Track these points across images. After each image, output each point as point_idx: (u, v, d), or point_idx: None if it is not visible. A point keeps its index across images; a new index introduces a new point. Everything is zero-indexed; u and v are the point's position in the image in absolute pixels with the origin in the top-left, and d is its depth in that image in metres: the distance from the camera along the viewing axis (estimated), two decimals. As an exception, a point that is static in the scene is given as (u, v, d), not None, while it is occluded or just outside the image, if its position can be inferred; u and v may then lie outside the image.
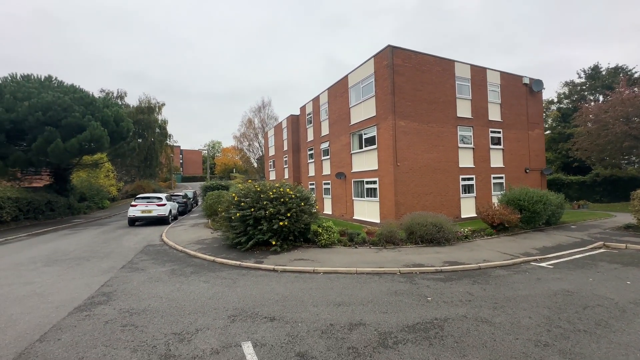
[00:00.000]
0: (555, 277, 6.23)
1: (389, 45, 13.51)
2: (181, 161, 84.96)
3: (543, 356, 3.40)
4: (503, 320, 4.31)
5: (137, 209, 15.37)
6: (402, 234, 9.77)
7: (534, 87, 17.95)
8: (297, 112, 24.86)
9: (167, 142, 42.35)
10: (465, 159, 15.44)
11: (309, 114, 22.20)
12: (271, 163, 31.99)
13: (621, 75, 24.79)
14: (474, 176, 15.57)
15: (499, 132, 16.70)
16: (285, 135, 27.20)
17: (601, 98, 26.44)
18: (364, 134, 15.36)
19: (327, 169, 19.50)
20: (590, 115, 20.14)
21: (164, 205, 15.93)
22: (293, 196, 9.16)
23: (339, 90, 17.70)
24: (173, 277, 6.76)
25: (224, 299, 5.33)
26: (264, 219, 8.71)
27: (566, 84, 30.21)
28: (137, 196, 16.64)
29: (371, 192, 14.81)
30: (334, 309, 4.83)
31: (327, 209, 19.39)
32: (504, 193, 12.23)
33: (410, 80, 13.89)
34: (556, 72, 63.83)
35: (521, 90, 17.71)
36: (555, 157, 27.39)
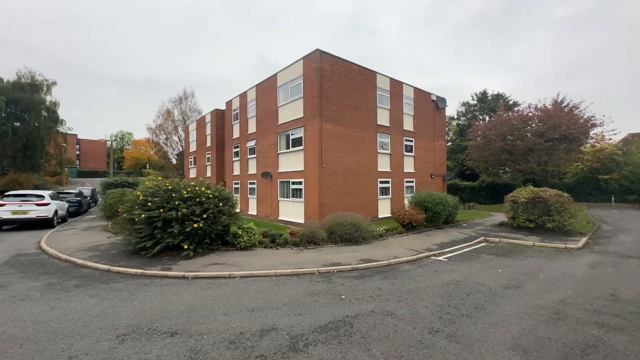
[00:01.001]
0: (449, 269, 7.17)
1: (317, 50, 13.79)
2: (78, 153, 71.69)
3: (434, 341, 3.80)
4: (405, 312, 4.71)
5: (5, 210, 12.23)
6: (323, 234, 10.01)
7: (439, 104, 20.67)
8: (223, 107, 23.47)
9: (58, 128, 35.03)
10: (383, 164, 16.80)
11: (236, 109, 21.17)
12: (192, 160, 29.47)
13: (501, 101, 30.55)
14: (390, 180, 17.05)
15: (412, 141, 18.69)
16: (209, 131, 25.39)
17: (487, 118, 32.08)
18: (292, 134, 15.35)
19: (253, 168, 18.87)
20: (479, 132, 24.23)
21: (47, 204, 13.05)
22: (211, 196, 8.50)
23: (268, 88, 17.33)
24: (48, 293, 5.50)
25: (116, 315, 4.55)
26: (176, 220, 7.85)
27: (463, 104, 35.81)
28: (7, 193, 13.26)
29: (297, 193, 14.87)
30: (247, 315, 4.58)
31: (252, 210, 18.76)
32: (413, 195, 13.69)
33: (337, 85, 14.44)
34: (457, 94, 75.47)
35: (429, 106, 20.20)
36: (454, 165, 32.11)
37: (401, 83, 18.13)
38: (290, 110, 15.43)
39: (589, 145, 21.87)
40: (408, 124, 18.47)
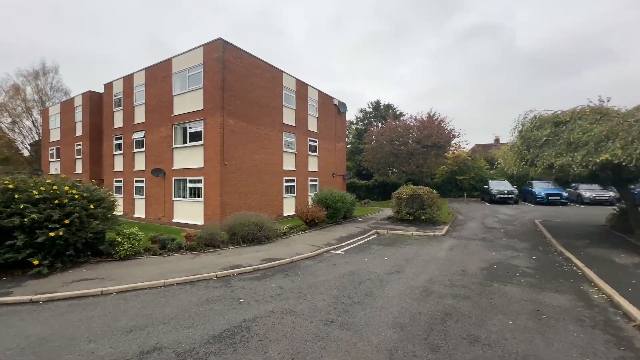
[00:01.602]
0: (345, 261, 7.76)
1: (220, 39, 12.89)
2: None
3: (329, 332, 4.01)
4: (304, 308, 4.83)
5: None
6: (224, 236, 9.43)
7: (340, 108, 22.28)
8: (101, 89, 19.49)
9: None
10: (289, 163, 17.02)
11: (118, 94, 17.88)
12: (54, 151, 23.49)
13: (390, 110, 35.15)
14: (295, 178, 17.40)
15: (316, 141, 19.55)
16: (79, 116, 20.70)
17: (380, 125, 36.43)
18: (190, 127, 13.93)
19: (141, 164, 16.31)
20: (373, 137, 27.27)
21: None
22: (77, 196, 6.90)
23: (161, 74, 15.25)
24: None
25: None
26: (20, 229, 6.05)
27: (361, 110, 39.69)
28: None
29: (195, 192, 13.59)
30: (122, 338, 3.86)
31: (140, 212, 16.21)
32: (316, 193, 14.32)
33: (242, 79, 13.84)
34: (357, 101, 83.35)
35: (332, 109, 21.55)
36: (353, 165, 35.27)
37: (306, 85, 18.73)
38: (189, 100, 13.97)
39: (450, 152, 27.41)
40: (312, 125, 19.24)
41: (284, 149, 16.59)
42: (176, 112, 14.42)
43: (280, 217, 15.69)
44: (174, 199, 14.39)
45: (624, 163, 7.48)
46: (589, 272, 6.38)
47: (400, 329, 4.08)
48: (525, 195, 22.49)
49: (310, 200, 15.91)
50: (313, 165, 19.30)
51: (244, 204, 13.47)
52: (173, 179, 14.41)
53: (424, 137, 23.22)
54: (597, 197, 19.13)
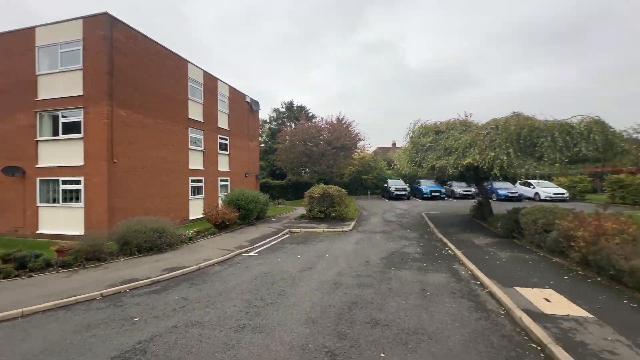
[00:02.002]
0: (258, 263, 7.60)
1: (107, 13, 10.89)
2: None
3: (240, 339, 3.84)
4: (212, 317, 4.50)
5: None
6: (113, 246, 8.03)
7: (253, 107, 21.72)
8: None
9: None
10: (196, 161, 15.66)
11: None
12: None
13: (303, 112, 36.18)
14: (203, 178, 16.12)
15: (226, 139, 18.54)
16: None
17: (293, 125, 37.09)
18: (64, 116, 11.32)
19: (-16, 160, 12.42)
20: (287, 137, 27.59)
21: None
22: None
23: (18, 45, 11.93)
24: None
25: None
26: None
27: (275, 110, 39.60)
28: None
29: (72, 196, 11.14)
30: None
31: (-17, 223, 12.33)
32: (227, 194, 13.59)
33: (137, 65, 12.03)
34: (270, 100, 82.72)
35: (244, 107, 20.82)
36: (267, 165, 34.90)
37: (216, 79, 17.58)
38: (61, 83, 11.34)
39: (357, 153, 30.01)
40: (223, 122, 18.18)
41: (191, 147, 15.19)
42: (42, 96, 11.53)
43: (186, 221, 14.31)
44: (39, 204, 11.48)
45: (480, 165, 9.54)
46: (459, 253, 7.91)
47: (312, 324, 4.23)
48: (415, 192, 26.36)
49: (220, 201, 14.99)
50: (224, 164, 18.27)
51: (141, 208, 11.75)
52: (38, 179, 11.48)
53: (334, 139, 24.70)
54: (464, 193, 23.89)
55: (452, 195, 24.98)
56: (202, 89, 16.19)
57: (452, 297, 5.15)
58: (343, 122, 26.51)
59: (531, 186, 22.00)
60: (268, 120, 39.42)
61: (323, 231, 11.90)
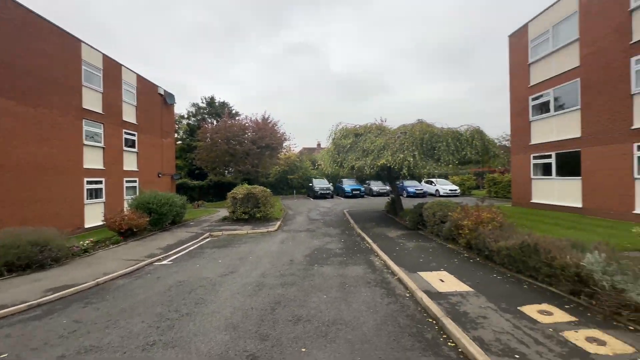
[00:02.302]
0: (173, 272, 6.93)
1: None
2: None
3: (148, 358, 3.45)
4: (114, 338, 3.93)
5: None
6: (-32, 267, 6.26)
7: (167, 100, 19.67)
8: None
9: None
10: (93, 160, 13.38)
11: None
12: None
13: (226, 108, 34.43)
14: (104, 179, 13.88)
15: (134, 135, 16.35)
16: None
17: (215, 122, 34.95)
18: None
19: None
20: (208, 134, 25.84)
21: None
22: None
23: None
24: None
25: None
26: None
27: (194, 104, 36.61)
28: None
29: None
30: None
31: None
32: (135, 197, 12.00)
33: (6, 38, 9.62)
34: (188, 93, 76.03)
35: (156, 99, 18.68)
36: (185, 164, 32.05)
37: (120, 65, 15.33)
38: None
39: (283, 153, 30.04)
40: (129, 115, 15.98)
41: (86, 142, 12.92)
42: None
43: (81, 230, 12.13)
44: None
45: (392, 166, 10.63)
46: (374, 246, 8.66)
47: (232, 329, 4.07)
48: (338, 191, 27.82)
49: (126, 205, 13.15)
50: (131, 163, 16.08)
51: (15, 218, 9.49)
52: None
53: (259, 138, 24.20)
54: (380, 190, 26.28)
55: (371, 193, 27.18)
56: (101, 75, 13.92)
57: (368, 287, 5.62)
58: (269, 121, 26.20)
59: (433, 184, 25.53)
60: (186, 116, 36.28)
61: (247, 233, 11.56)
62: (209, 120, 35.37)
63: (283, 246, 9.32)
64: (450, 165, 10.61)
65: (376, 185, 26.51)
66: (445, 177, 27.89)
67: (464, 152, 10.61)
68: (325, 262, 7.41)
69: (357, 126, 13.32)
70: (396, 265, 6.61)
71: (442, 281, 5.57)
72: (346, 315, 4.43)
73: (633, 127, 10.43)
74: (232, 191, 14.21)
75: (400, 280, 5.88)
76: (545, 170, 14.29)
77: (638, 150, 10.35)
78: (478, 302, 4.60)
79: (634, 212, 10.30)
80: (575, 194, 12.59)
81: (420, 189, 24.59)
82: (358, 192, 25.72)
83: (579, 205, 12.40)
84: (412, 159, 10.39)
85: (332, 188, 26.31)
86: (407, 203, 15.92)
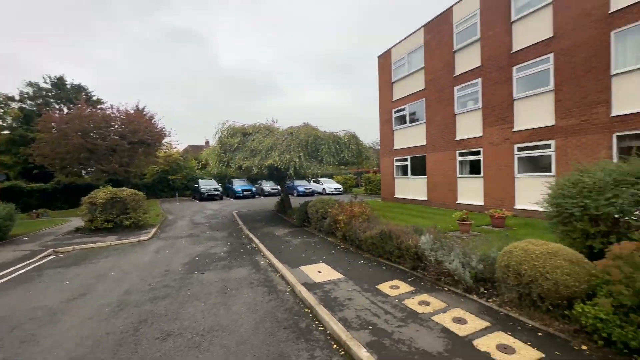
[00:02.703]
0: (-14, 306, 5.14)
1: None
2: None
3: None
4: None
5: None
6: None
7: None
8: None
9: None
10: None
11: None
12: None
13: (83, 94, 27.84)
14: None
15: None
16: None
17: (66, 109, 27.74)
18: None
19: None
20: (54, 124, 20.26)
21: None
22: None
23: None
24: None
25: None
26: None
27: (31, 84, 28.03)
28: None
29: None
30: None
31: None
32: None
33: None
34: (20, 67, 57.51)
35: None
36: (15, 161, 24.25)
37: None
38: None
39: (162, 151, 26.48)
40: None
41: None
42: None
43: None
44: None
45: (279, 166, 10.90)
46: (261, 246, 8.69)
47: (76, 364, 3.34)
48: (228, 192, 26.61)
49: None
50: None
51: None
52: None
53: (130, 132, 20.60)
54: (272, 190, 26.54)
55: (262, 193, 27.12)
56: None
57: (250, 287, 5.60)
58: (144, 113, 22.67)
59: (320, 183, 27.53)
60: (17, 98, 27.49)
61: (111, 244, 9.69)
62: (56, 107, 27.96)
63: (158, 256, 8.25)
64: (331, 166, 11.69)
65: (268, 185, 26.64)
66: (331, 176, 30.56)
67: (343, 155, 11.86)
68: (207, 267, 6.97)
69: (246, 125, 13.08)
70: (280, 263, 6.82)
71: (320, 272, 6.08)
72: (224, 321, 4.29)
73: (457, 139, 13.95)
74: (89, 195, 11.63)
75: (283, 277, 6.10)
76: (404, 171, 17.51)
77: (460, 156, 13.91)
78: (347, 287, 5.23)
79: (457, 202, 13.80)
80: (423, 190, 15.93)
81: (309, 188, 26.12)
82: (249, 192, 25.26)
83: (425, 198, 15.74)
84: (298, 160, 10.92)
85: (221, 189, 24.94)
86: (297, 202, 16.63)
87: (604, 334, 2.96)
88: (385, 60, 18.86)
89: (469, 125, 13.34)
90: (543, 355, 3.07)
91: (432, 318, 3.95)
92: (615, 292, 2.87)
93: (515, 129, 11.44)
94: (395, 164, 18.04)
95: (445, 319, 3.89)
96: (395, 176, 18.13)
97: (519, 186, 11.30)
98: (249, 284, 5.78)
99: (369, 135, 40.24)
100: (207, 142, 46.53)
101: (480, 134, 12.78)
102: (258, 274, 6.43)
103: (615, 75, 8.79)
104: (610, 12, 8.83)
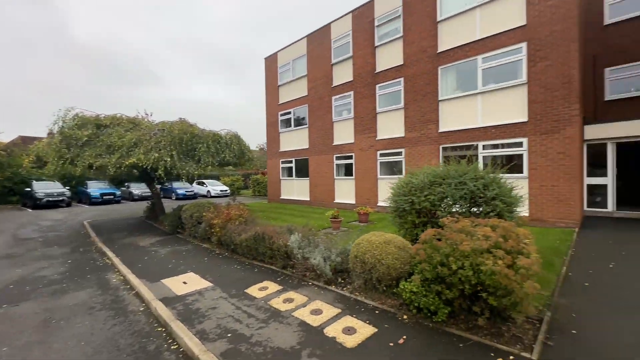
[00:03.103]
0: None
1: None
2: None
3: None
4: None
5: None
6: None
7: None
8: None
9: None
10: None
11: None
12: None
13: None
14: None
15: None
16: None
17: None
18: None
19: None
20: None
21: None
22: None
23: None
24: None
25: None
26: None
27: None
28: None
29: None
30: None
31: None
32: None
33: None
34: None
35: None
36: None
37: None
38: None
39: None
40: None
41: None
42: None
43: None
44: None
45: (145, 165, 9.46)
46: (116, 260, 7.29)
47: None
48: (81, 196, 21.46)
49: None
50: None
51: None
52: None
53: None
54: (143, 194, 22.85)
55: (131, 197, 23.09)
56: None
57: (89, 314, 4.57)
58: None
59: (205, 185, 25.52)
60: None
61: None
62: None
63: (-62, 290, 5.79)
64: (210, 167, 10.93)
65: (139, 189, 22.86)
66: (217, 178, 28.75)
67: (224, 155, 11.28)
68: (27, 296, 5.33)
69: (102, 116, 10.91)
70: (137, 278, 5.87)
71: (185, 283, 5.53)
72: (37, 363, 3.33)
73: (334, 144, 15.36)
74: None
75: (138, 294, 5.24)
76: (289, 172, 18.10)
77: (337, 160, 15.36)
78: (213, 295, 4.92)
79: (335, 201, 15.20)
80: (306, 191, 16.85)
81: (191, 191, 23.81)
82: (112, 196, 21.05)
83: (308, 199, 16.70)
84: (169, 159, 9.77)
85: (68, 193, 19.86)
86: (176, 206, 14.86)
87: (415, 304, 3.73)
88: (271, 63, 19.08)
89: (344, 132, 14.91)
90: (376, 330, 3.63)
91: (293, 314, 4.13)
92: (422, 270, 3.66)
93: (378, 137, 13.46)
94: (282, 165, 18.46)
95: (304, 313, 4.12)
96: (281, 178, 18.53)
97: (381, 186, 13.34)
98: (87, 310, 4.70)
99: (262, 136, 39.93)
100: (50, 133, 36.30)
101: (353, 141, 14.47)
102: (104, 295, 5.33)
103: (441, 100, 11.48)
104: (438, 52, 11.49)
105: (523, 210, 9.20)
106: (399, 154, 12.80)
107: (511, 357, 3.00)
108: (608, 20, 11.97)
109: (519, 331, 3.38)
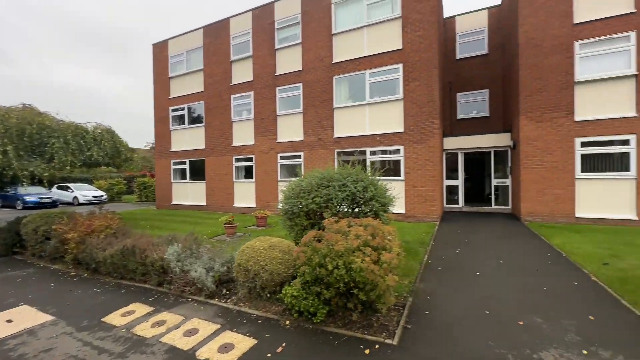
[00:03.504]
0: None
1: None
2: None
3: None
4: None
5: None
6: None
7: None
8: None
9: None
10: None
11: None
12: None
13: None
14: None
15: None
16: None
17: None
18: None
19: None
20: None
21: None
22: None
23: None
24: None
25: None
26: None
27: None
28: None
29: None
30: None
31: None
32: None
33: None
34: None
35: None
36: None
37: None
38: None
39: None
40: None
41: None
42: None
43: None
44: None
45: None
46: None
47: None
48: None
49: None
50: None
51: None
52: None
53: None
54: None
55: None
56: None
57: None
58: None
59: (70, 190, 20.65)
60: None
61: None
62: None
63: None
64: (68, 167, 8.80)
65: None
66: (90, 181, 23.65)
67: (90, 153, 9.28)
68: None
69: None
70: None
71: (10, 322, 4.16)
72: None
73: (233, 145, 14.59)
74: None
75: None
76: (182, 174, 16.32)
77: (236, 162, 14.62)
78: (52, 332, 3.84)
79: (234, 205, 14.43)
80: (202, 195, 15.48)
81: (49, 197, 18.82)
82: None
83: (205, 203, 15.38)
84: (2, 156, 7.42)
85: None
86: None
87: (297, 308, 3.71)
88: (161, 51, 16.88)
89: (244, 133, 14.34)
90: (256, 342, 3.44)
91: (161, 339, 3.56)
92: (303, 272, 3.68)
93: (278, 140, 13.45)
94: (173, 167, 16.48)
95: (175, 336, 3.60)
96: (173, 180, 16.52)
97: (281, 189, 13.33)
98: None
99: (145, 134, 34.86)
100: None
101: (253, 142, 14.05)
102: None
103: (336, 108, 12.27)
104: (333, 62, 12.25)
105: (400, 208, 10.73)
106: (298, 157, 13.07)
107: (376, 346, 3.27)
108: (459, 55, 15.12)
109: (385, 320, 3.75)
